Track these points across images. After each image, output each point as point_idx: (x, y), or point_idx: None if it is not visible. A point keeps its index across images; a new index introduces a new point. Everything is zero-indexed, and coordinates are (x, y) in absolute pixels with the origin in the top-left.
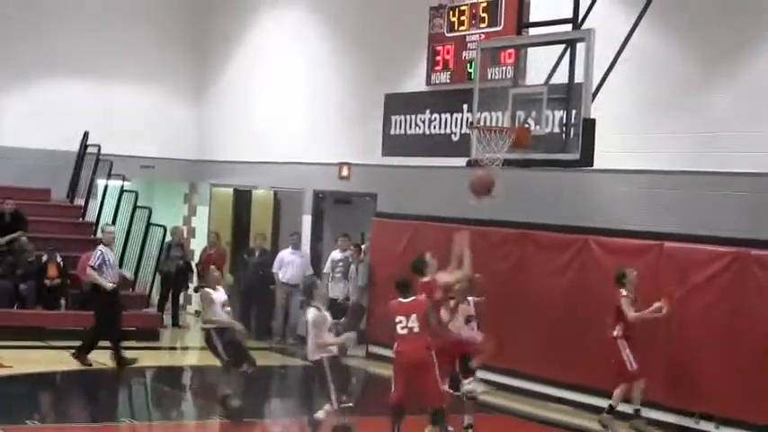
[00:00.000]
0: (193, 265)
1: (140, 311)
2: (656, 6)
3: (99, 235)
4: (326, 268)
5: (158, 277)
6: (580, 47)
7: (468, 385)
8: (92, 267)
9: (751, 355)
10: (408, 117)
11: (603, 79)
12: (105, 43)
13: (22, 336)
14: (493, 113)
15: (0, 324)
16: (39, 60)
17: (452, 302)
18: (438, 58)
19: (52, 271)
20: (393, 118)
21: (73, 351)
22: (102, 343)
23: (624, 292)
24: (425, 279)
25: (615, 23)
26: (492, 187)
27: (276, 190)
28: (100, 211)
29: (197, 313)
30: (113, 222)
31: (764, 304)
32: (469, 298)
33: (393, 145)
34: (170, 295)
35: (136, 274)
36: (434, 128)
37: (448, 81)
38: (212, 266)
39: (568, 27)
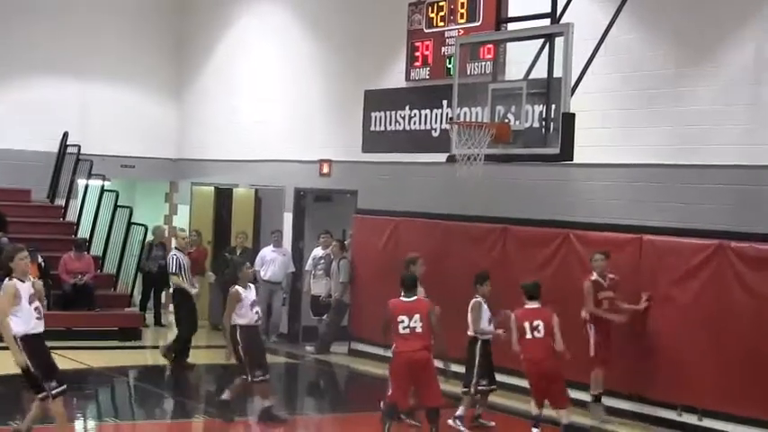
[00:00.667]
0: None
1: (122, 311)
2: (634, 1)
3: (173, 242)
4: (308, 265)
5: (140, 277)
6: (559, 41)
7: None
8: (172, 273)
9: (733, 347)
10: (388, 113)
11: (582, 74)
12: (84, 43)
13: None
14: (473, 109)
15: None
16: (16, 61)
17: None
18: (417, 54)
19: (33, 271)
20: (373, 114)
21: (172, 362)
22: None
23: (592, 277)
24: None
25: (593, 18)
26: None
27: (257, 188)
28: (81, 211)
29: None
30: (94, 222)
31: (745, 296)
32: None
33: (373, 141)
34: (152, 294)
35: (117, 273)
36: (414, 124)
37: (427, 77)
38: (247, 264)
39: (547, 22)
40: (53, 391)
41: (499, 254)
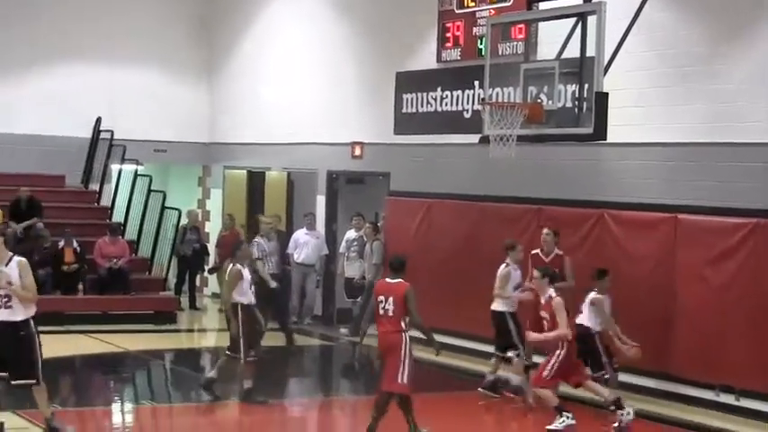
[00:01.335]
0: (209, 247)
1: (157, 295)
2: None
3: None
4: (341, 248)
5: (174, 260)
6: (591, 20)
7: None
8: (257, 259)
9: None
10: (420, 95)
11: (615, 52)
12: (115, 28)
13: (41, 321)
14: (504, 89)
15: None
16: (48, 48)
17: None
18: (448, 35)
19: (69, 256)
20: (404, 96)
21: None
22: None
23: (533, 251)
24: None
25: None
26: None
27: (289, 171)
28: (114, 196)
29: (214, 296)
30: (128, 207)
31: None
32: None
33: (405, 123)
34: (187, 278)
35: (152, 257)
36: (446, 105)
37: (459, 58)
38: (245, 243)
39: (579, 0)
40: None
41: (533, 235)
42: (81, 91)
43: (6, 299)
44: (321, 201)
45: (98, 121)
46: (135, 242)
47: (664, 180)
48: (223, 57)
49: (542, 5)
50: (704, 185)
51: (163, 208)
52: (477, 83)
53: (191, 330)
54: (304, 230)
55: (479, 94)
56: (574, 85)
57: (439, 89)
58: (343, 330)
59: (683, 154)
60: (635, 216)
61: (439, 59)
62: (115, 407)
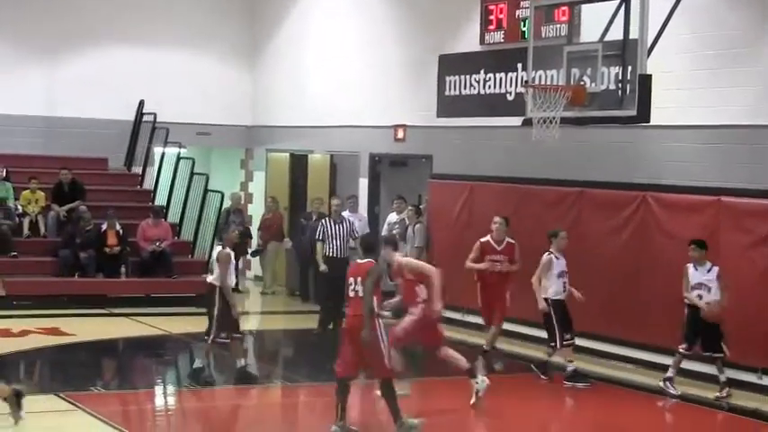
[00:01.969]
0: (252, 230)
1: (199, 277)
2: None
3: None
4: (384, 231)
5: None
6: (635, 2)
7: None
8: (318, 240)
9: None
10: (463, 77)
11: (659, 34)
12: (158, 11)
13: (84, 304)
14: (548, 72)
15: (62, 292)
16: (91, 31)
17: None
18: (491, 17)
19: (112, 239)
20: (447, 79)
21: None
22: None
23: (483, 238)
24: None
25: None
26: None
27: (332, 153)
28: (157, 179)
29: (256, 278)
30: (170, 190)
31: None
32: None
33: (448, 106)
34: None
35: (195, 240)
36: (489, 88)
37: (502, 40)
38: (232, 228)
39: None
40: None
41: (575, 217)
42: (124, 74)
43: None
44: (364, 183)
45: (141, 103)
46: (177, 225)
47: (707, 162)
48: (266, 39)
49: None
50: (748, 168)
51: (205, 191)
52: (520, 65)
53: None
54: (347, 213)
55: (522, 77)
56: (617, 68)
57: (482, 72)
58: (386, 313)
59: (727, 136)
60: (678, 199)
61: (482, 42)
62: (157, 389)
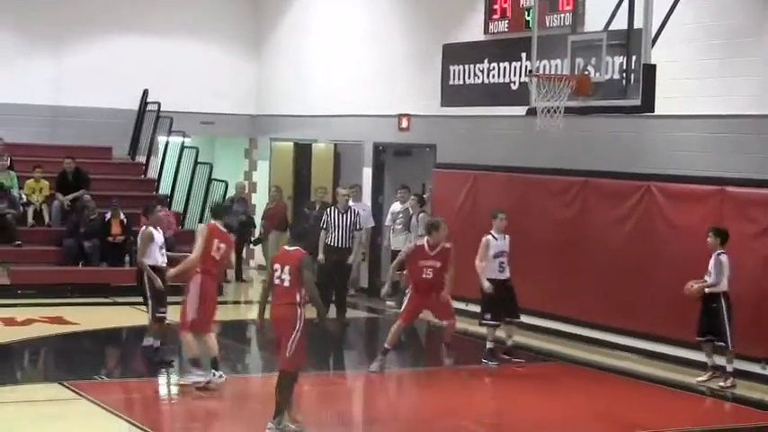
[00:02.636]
0: (256, 219)
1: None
2: None
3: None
4: (387, 220)
5: None
6: None
7: None
8: (322, 229)
9: None
10: (467, 67)
11: (663, 24)
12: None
13: (88, 293)
14: (552, 61)
15: (66, 281)
16: (94, 20)
17: None
18: (495, 6)
19: (116, 228)
20: (451, 68)
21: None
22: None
23: (419, 242)
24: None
25: None
26: None
27: (336, 143)
28: (161, 168)
29: (260, 267)
30: (174, 179)
31: None
32: None
33: (452, 95)
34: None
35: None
36: (493, 77)
37: (506, 30)
38: (158, 207)
39: None
40: None
41: (580, 207)
42: (128, 63)
43: None
44: (368, 173)
45: (145, 92)
46: (181, 214)
47: (711, 152)
48: (270, 28)
49: None
50: (752, 158)
51: (209, 180)
52: (524, 55)
53: (237, 302)
54: (350, 202)
55: (527, 66)
56: (621, 57)
57: (486, 61)
58: (390, 303)
59: (731, 126)
60: (682, 188)
61: (486, 31)
62: (161, 378)
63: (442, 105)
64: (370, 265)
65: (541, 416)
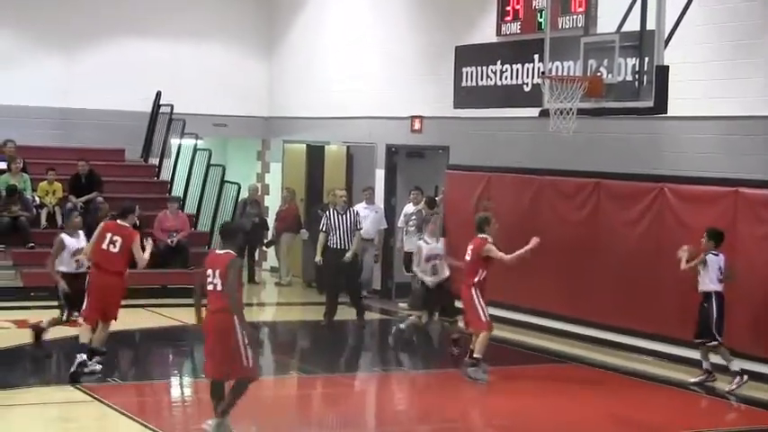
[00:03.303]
0: (269, 221)
1: None
2: None
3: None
4: (400, 222)
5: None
6: None
7: None
8: (321, 231)
9: None
10: (479, 68)
11: (676, 25)
12: (175, 1)
13: None
14: (564, 63)
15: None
16: (107, 22)
17: None
18: (508, 8)
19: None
20: (464, 70)
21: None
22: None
23: (490, 239)
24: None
25: None
26: None
27: (349, 145)
28: (174, 171)
29: (272, 270)
30: (187, 181)
31: None
32: None
33: (465, 97)
34: (246, 252)
35: (211, 231)
36: (506, 79)
37: (518, 31)
38: (75, 213)
39: None
40: None
41: (592, 209)
42: (141, 65)
43: None
44: (380, 175)
45: (158, 95)
46: (194, 216)
47: (724, 154)
48: (282, 30)
49: None
50: (765, 159)
51: (222, 182)
52: (536, 56)
53: (249, 304)
54: (363, 204)
55: (539, 68)
56: (634, 59)
57: (499, 63)
58: (402, 304)
59: (744, 127)
60: (695, 190)
61: (499, 33)
62: (174, 380)
63: (455, 107)
64: (383, 267)
65: (557, 418)
